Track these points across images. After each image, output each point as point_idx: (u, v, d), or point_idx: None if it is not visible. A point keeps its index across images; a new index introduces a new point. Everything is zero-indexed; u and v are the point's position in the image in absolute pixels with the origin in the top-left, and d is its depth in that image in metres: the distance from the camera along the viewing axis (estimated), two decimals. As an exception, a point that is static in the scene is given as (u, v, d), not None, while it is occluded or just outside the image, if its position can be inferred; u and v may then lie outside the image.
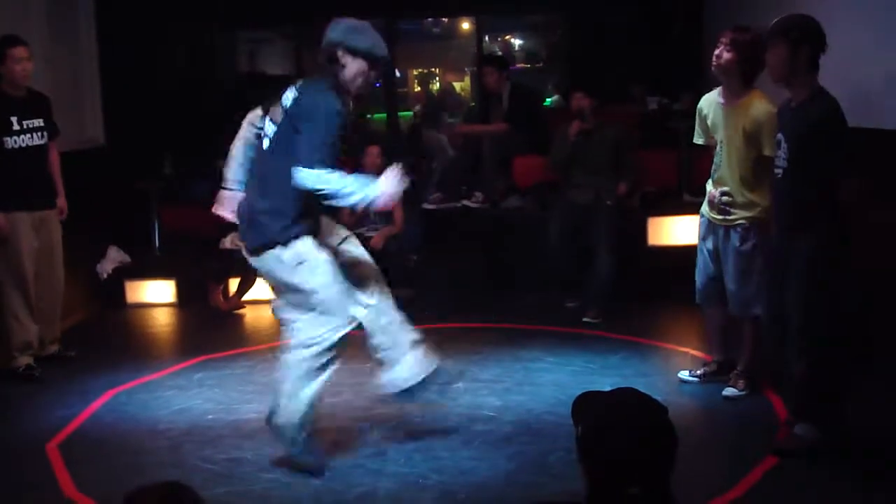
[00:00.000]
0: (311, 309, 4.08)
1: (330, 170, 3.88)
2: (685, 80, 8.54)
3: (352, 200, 3.93)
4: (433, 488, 4.05)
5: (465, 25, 12.70)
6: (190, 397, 5.36)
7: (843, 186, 4.06)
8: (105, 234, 7.76)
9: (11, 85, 5.69)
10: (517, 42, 13.82)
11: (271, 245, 4.03)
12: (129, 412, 5.16)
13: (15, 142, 5.67)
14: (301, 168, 3.86)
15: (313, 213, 4.14)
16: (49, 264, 5.94)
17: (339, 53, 3.99)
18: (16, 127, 5.67)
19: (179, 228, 8.09)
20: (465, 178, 8.24)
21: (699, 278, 5.16)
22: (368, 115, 11.36)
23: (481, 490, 4.01)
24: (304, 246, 4.04)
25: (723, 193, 4.89)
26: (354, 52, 3.99)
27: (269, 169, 4.06)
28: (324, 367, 4.13)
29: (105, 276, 7.70)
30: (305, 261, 4.03)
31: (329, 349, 4.10)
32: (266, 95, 4.24)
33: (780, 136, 4.26)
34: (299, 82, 4.15)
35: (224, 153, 4.41)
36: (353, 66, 4.01)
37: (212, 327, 7.05)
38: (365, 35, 4.02)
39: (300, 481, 4.14)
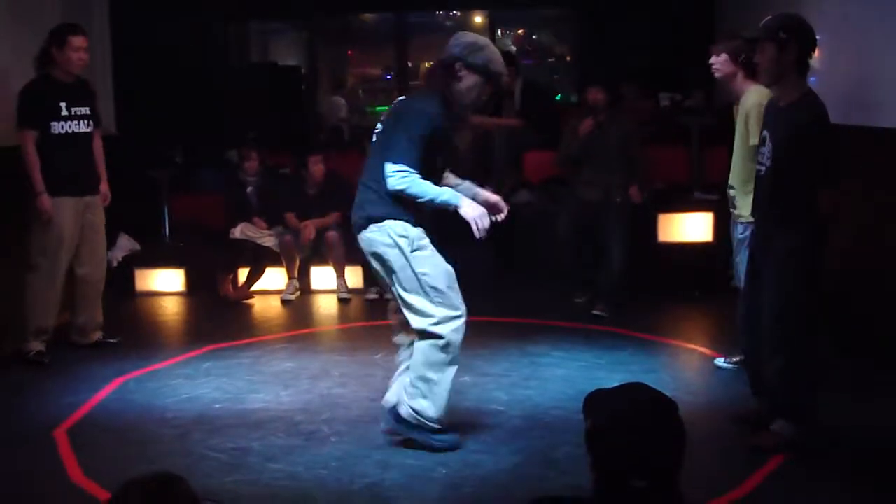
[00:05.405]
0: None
1: (414, 171, 4.08)
2: (697, 75, 8.50)
3: (435, 202, 4.15)
4: (439, 481, 4.05)
5: (478, 19, 12.67)
6: (198, 386, 5.37)
7: (822, 195, 4.04)
8: (115, 222, 7.76)
9: (64, 71, 5.71)
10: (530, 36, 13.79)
11: (365, 225, 4.23)
12: (137, 400, 5.17)
13: (62, 127, 5.70)
14: (386, 163, 4.07)
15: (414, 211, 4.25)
16: (92, 250, 6.00)
17: (458, 67, 4.21)
18: (64, 112, 5.71)
19: (189, 217, 8.11)
20: (474, 171, 8.21)
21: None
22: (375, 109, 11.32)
23: (487, 483, 4.01)
24: (399, 228, 4.18)
25: (730, 187, 5.08)
26: (471, 67, 4.19)
27: (371, 163, 4.27)
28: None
29: (115, 263, 7.71)
30: (399, 245, 4.19)
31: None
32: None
33: (765, 133, 4.25)
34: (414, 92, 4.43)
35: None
36: (468, 80, 4.22)
37: (220, 317, 7.07)
38: (483, 52, 4.22)
39: (307, 471, 4.15)
